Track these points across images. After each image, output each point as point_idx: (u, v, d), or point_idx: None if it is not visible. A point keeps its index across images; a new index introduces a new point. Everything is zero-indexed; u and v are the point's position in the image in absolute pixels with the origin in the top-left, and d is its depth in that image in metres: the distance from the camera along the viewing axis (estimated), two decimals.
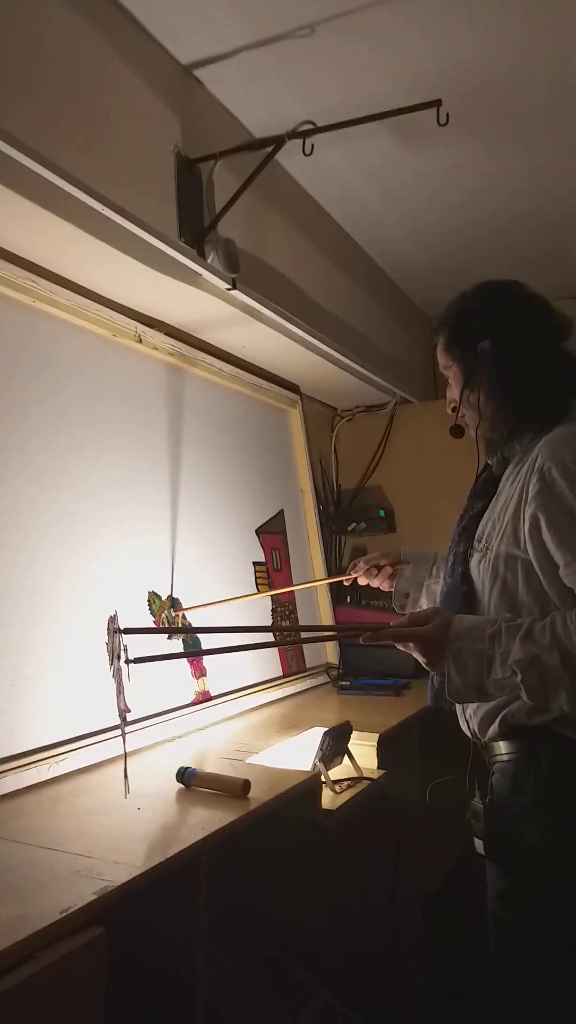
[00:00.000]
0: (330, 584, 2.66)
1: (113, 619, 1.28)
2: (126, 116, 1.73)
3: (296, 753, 1.71)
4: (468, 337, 1.41)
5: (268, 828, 1.33)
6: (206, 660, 1.98)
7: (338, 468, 3.15)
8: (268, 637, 2.11)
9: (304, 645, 2.48)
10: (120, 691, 1.28)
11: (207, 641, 1.92)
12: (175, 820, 1.26)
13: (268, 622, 2.31)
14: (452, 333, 1.45)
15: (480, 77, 2.00)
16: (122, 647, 1.25)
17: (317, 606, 2.62)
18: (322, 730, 1.80)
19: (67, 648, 1.55)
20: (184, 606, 1.94)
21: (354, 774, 1.68)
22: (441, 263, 3.15)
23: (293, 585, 2.36)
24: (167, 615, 1.87)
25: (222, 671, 2.03)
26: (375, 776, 1.69)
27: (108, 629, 1.29)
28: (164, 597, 1.89)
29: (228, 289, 1.85)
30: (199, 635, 1.92)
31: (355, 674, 2.52)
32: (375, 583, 1.76)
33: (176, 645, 1.89)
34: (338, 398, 3.05)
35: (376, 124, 2.01)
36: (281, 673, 2.30)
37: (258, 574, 2.30)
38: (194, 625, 1.95)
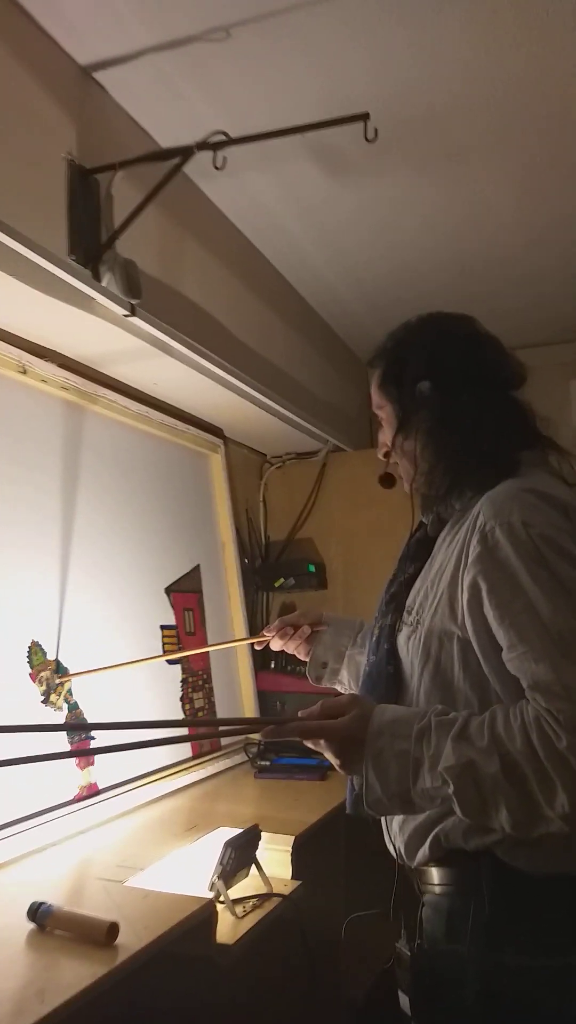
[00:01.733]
0: (251, 646, 2.39)
1: None
2: (8, 118, 1.50)
3: (193, 864, 1.42)
4: (406, 375, 1.20)
5: (142, 979, 1.04)
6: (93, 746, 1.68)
7: (267, 518, 2.91)
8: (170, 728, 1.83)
9: (219, 711, 2.20)
10: None
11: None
12: (12, 984, 0.96)
13: (176, 692, 2.03)
14: (388, 368, 1.23)
15: (418, 99, 1.83)
16: None
17: (236, 671, 2.34)
18: (227, 832, 1.53)
19: None
20: (71, 672, 1.65)
21: (262, 889, 1.40)
22: (376, 303, 2.98)
23: (193, 649, 2.07)
24: (47, 677, 1.58)
25: (116, 757, 1.73)
26: (287, 890, 1.41)
27: None
28: (49, 657, 1.60)
29: (126, 315, 1.61)
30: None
31: (277, 749, 2.24)
32: (289, 647, 1.50)
33: (56, 717, 1.59)
34: (267, 444, 2.83)
35: (301, 144, 1.83)
36: (190, 754, 2.01)
37: (166, 639, 2.02)
38: (77, 698, 1.66)
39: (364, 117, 1.57)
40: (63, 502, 1.75)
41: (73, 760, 1.61)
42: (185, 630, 2.11)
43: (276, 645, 1.49)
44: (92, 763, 1.66)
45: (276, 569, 2.75)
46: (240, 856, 1.36)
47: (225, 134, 1.61)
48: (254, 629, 2.53)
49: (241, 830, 1.52)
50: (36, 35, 1.60)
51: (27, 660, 1.53)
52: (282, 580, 2.70)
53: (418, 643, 1.09)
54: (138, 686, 1.87)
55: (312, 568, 2.71)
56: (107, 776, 1.68)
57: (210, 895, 1.31)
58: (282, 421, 2.46)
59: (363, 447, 3.01)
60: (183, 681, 2.06)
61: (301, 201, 2.28)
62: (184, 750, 2.01)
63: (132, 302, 1.63)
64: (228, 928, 1.26)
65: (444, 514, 1.19)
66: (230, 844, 1.33)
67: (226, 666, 2.28)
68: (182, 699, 2.03)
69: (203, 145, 1.61)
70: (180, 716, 2.01)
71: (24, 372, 1.69)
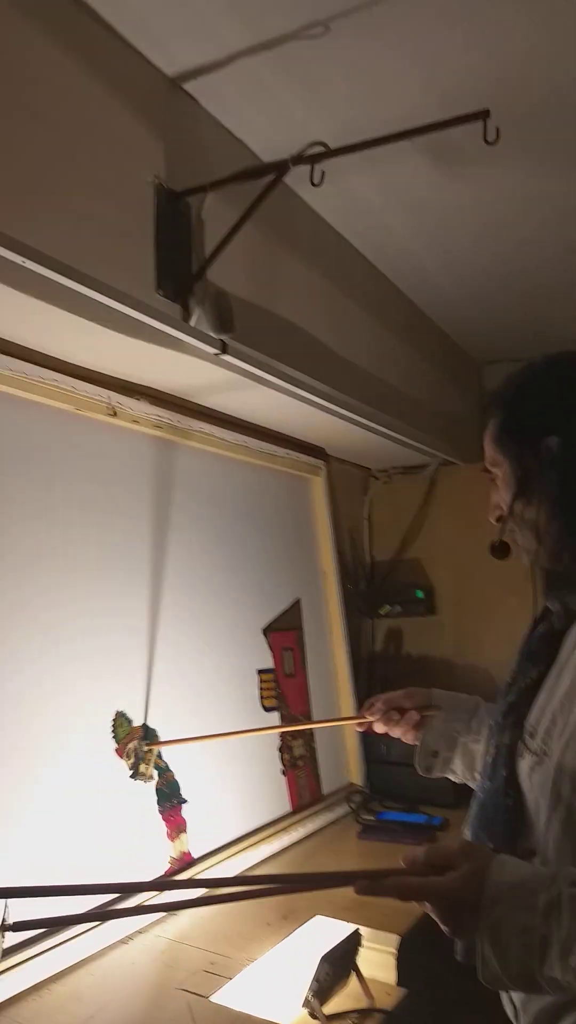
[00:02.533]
0: (352, 676, 2.25)
1: None
2: (90, 146, 1.37)
3: (287, 966, 1.30)
4: (529, 428, 1.01)
5: None
6: (188, 810, 1.59)
7: (372, 538, 2.74)
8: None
9: (321, 759, 2.07)
10: None
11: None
12: None
13: (274, 741, 1.91)
14: (507, 419, 1.04)
15: (540, 84, 1.59)
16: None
17: (338, 713, 2.20)
18: (324, 923, 1.40)
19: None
20: (160, 739, 1.56)
21: (362, 1000, 1.26)
22: (493, 307, 2.72)
23: (278, 727, 1.91)
24: (135, 748, 1.49)
25: (209, 819, 1.63)
26: (391, 1001, 1.27)
27: None
28: (136, 724, 1.51)
29: (217, 354, 1.48)
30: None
31: (383, 798, 2.10)
32: (395, 732, 1.34)
33: (147, 792, 1.50)
34: (372, 458, 2.65)
35: (409, 143, 1.62)
36: (289, 808, 1.89)
37: (263, 686, 1.90)
38: (167, 757, 1.56)
39: (484, 115, 1.36)
40: (152, 548, 1.65)
41: (164, 830, 1.52)
42: (284, 672, 1.99)
43: (380, 729, 1.33)
44: (184, 829, 1.57)
45: (382, 594, 2.58)
46: (337, 970, 1.23)
47: (324, 145, 1.43)
48: (358, 662, 2.38)
49: (336, 922, 1.40)
50: (119, 49, 1.47)
51: (112, 735, 1.44)
52: (387, 607, 2.53)
53: (546, 780, 0.91)
54: (232, 748, 1.75)
55: (420, 594, 2.53)
56: (201, 844, 1.59)
57: (303, 1012, 1.19)
58: (388, 440, 2.28)
59: (475, 460, 2.77)
60: (283, 736, 1.93)
61: (410, 201, 2.07)
62: (283, 801, 1.89)
63: (222, 338, 1.49)
64: None
65: (574, 604, 1.00)
66: (326, 959, 1.20)
67: (328, 710, 2.14)
68: (281, 748, 1.92)
69: (299, 159, 1.44)
70: (278, 766, 1.90)
71: (114, 414, 1.59)
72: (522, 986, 0.81)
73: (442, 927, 0.85)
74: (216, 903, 0.95)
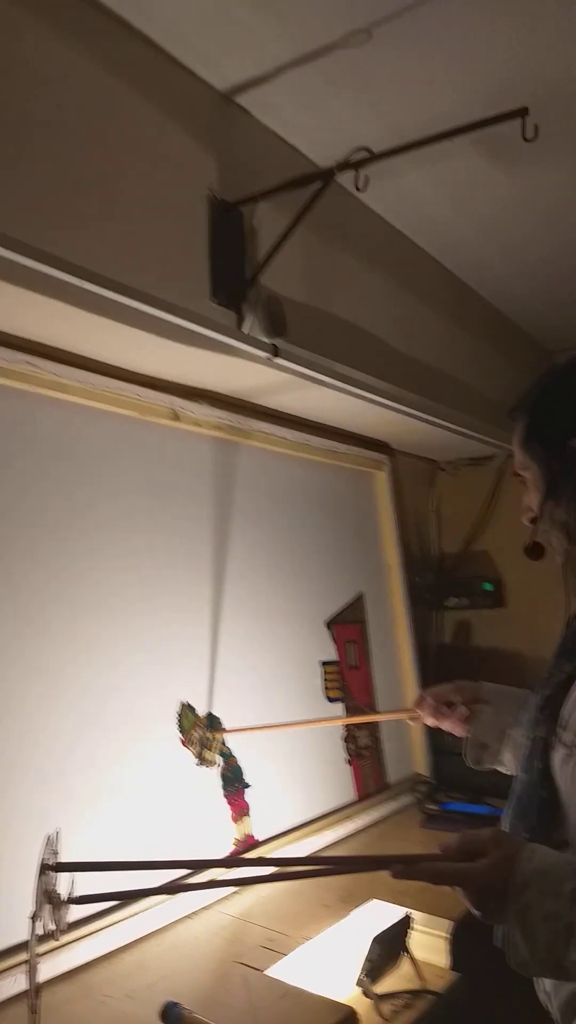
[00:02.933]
0: (418, 667, 2.28)
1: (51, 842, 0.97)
2: (146, 167, 1.45)
3: (341, 945, 1.36)
4: (554, 430, 1.02)
5: None
6: (251, 794, 1.66)
7: (439, 530, 2.74)
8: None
9: (386, 749, 2.11)
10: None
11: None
12: None
13: (338, 729, 1.96)
14: (533, 423, 1.06)
15: None
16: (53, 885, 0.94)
17: (403, 702, 2.23)
18: (380, 907, 1.45)
19: (62, 808, 1.28)
20: (225, 727, 1.63)
21: (415, 982, 1.30)
22: (556, 298, 2.68)
23: (330, 719, 1.95)
24: (199, 736, 1.57)
25: (273, 804, 1.70)
26: (443, 985, 1.31)
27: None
28: (201, 713, 1.59)
29: (269, 358, 1.53)
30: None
31: (448, 788, 2.12)
32: (445, 726, 1.37)
33: (211, 776, 1.58)
34: (438, 451, 2.65)
35: (457, 140, 1.63)
36: (355, 796, 1.94)
37: (328, 677, 1.95)
38: (231, 743, 1.64)
39: (522, 113, 1.36)
40: (215, 546, 1.72)
41: (229, 812, 1.60)
42: (348, 664, 2.03)
43: (429, 722, 1.37)
44: (247, 813, 1.64)
45: (449, 586, 2.59)
46: (389, 950, 1.28)
47: (368, 150, 1.46)
48: (424, 655, 2.40)
49: (393, 907, 1.44)
50: (171, 69, 1.54)
51: (178, 726, 1.53)
52: (455, 600, 2.54)
53: None
54: (297, 739, 1.81)
55: (488, 586, 2.52)
56: (264, 827, 1.66)
57: (356, 990, 1.25)
58: (454, 433, 2.28)
59: None
60: (347, 728, 1.99)
61: (463, 196, 2.06)
62: (348, 789, 1.95)
63: (275, 343, 1.54)
64: None
65: None
66: (378, 940, 1.25)
67: (393, 701, 2.17)
68: (346, 738, 1.97)
69: (344, 166, 1.47)
70: (343, 755, 1.95)
71: (177, 418, 1.67)
72: (549, 971, 0.84)
73: (474, 912, 0.89)
74: (255, 883, 1.02)
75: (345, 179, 1.61)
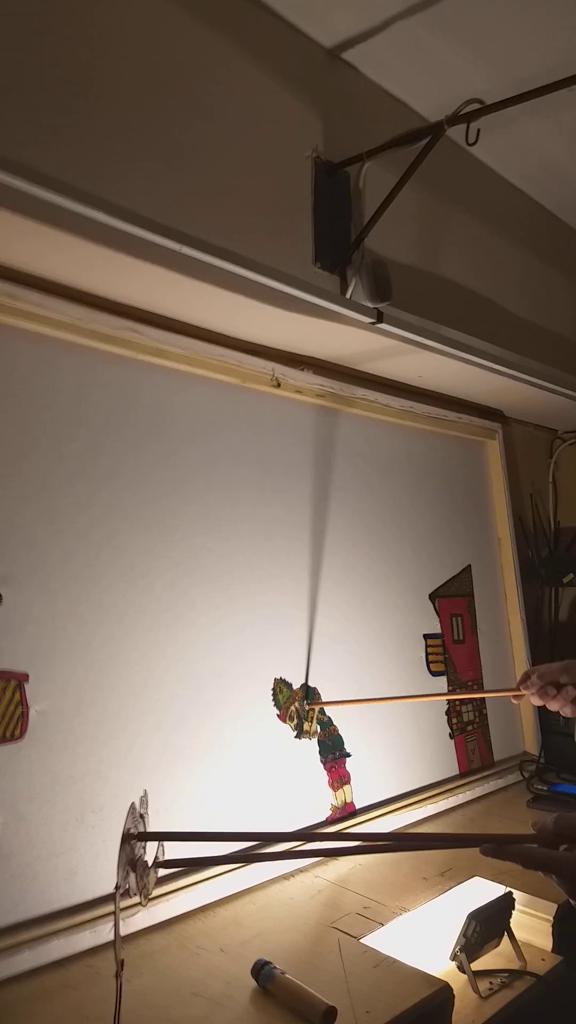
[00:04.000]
0: (527, 642, 2.20)
1: (134, 809, 0.99)
2: (250, 129, 1.44)
3: (439, 920, 1.34)
4: None
5: None
6: (351, 764, 1.65)
7: (556, 503, 2.63)
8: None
9: (492, 726, 2.06)
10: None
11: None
12: None
13: (441, 704, 1.93)
14: None
15: None
16: (139, 851, 0.96)
17: (512, 679, 2.16)
18: (481, 885, 1.42)
19: (155, 766, 1.32)
20: (321, 698, 1.63)
21: (514, 962, 1.27)
22: None
23: (430, 695, 1.89)
24: (296, 710, 1.57)
25: (373, 774, 1.69)
26: (544, 968, 1.26)
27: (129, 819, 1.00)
28: (296, 686, 1.59)
29: (373, 324, 1.50)
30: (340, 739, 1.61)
31: (559, 769, 2.04)
32: (552, 706, 1.32)
33: (310, 743, 1.59)
34: (558, 420, 2.53)
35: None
36: (457, 771, 1.90)
37: (430, 650, 1.91)
38: (332, 718, 1.63)
39: None
40: (316, 515, 1.71)
41: (326, 779, 1.60)
42: (453, 638, 1.99)
43: (535, 702, 1.32)
44: (347, 781, 1.64)
45: (566, 562, 2.48)
46: (487, 929, 1.24)
47: (479, 102, 1.39)
48: (537, 631, 2.31)
49: (495, 886, 1.41)
50: (277, 27, 1.51)
51: (273, 702, 1.53)
52: (571, 575, 2.42)
53: None
54: (395, 711, 1.79)
55: None
56: (363, 796, 1.65)
57: (450, 964, 1.22)
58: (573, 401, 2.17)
59: None
60: (450, 702, 1.94)
61: None
62: (451, 763, 1.91)
63: (380, 308, 1.50)
64: (468, 1010, 1.16)
65: None
66: (475, 917, 1.22)
67: (501, 677, 2.11)
68: (448, 712, 1.93)
69: (453, 119, 1.41)
70: (445, 730, 1.91)
71: (278, 385, 1.66)
72: None
73: (570, 900, 0.85)
74: (342, 854, 1.01)
75: (456, 133, 1.55)
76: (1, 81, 1.15)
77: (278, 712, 1.54)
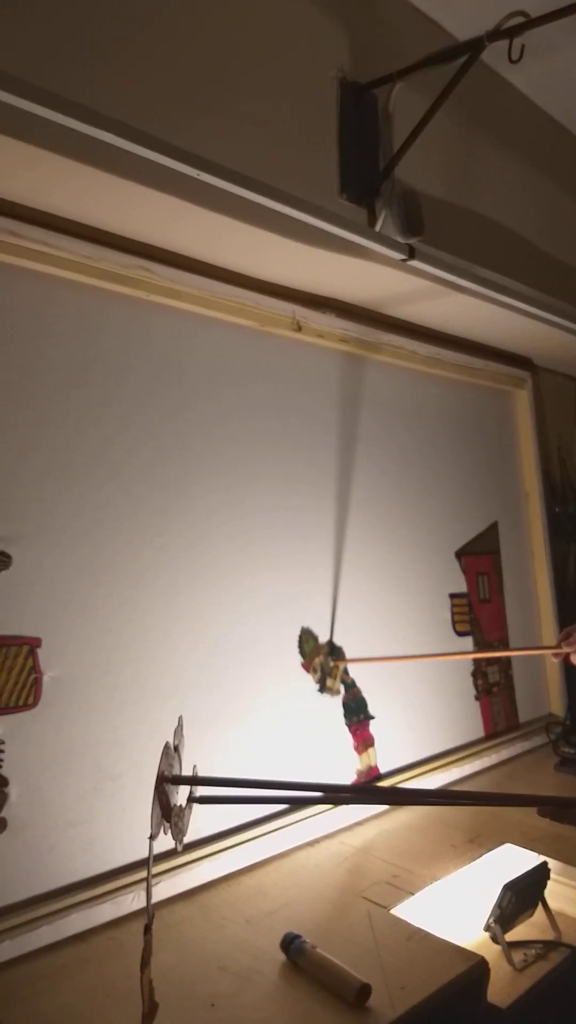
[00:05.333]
0: (555, 606, 2.12)
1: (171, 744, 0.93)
2: (269, 44, 1.31)
3: (470, 889, 1.29)
4: None
5: None
6: (375, 727, 1.60)
7: None
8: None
9: (518, 687, 2.00)
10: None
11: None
12: None
13: (467, 665, 1.86)
14: None
15: None
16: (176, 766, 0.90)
17: (538, 638, 2.09)
18: (513, 852, 1.37)
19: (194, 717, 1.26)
20: (346, 655, 1.57)
21: (548, 933, 1.22)
22: None
23: (465, 652, 1.84)
24: (320, 663, 1.51)
25: (398, 737, 1.63)
26: None
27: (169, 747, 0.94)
28: (322, 641, 1.53)
29: (404, 260, 1.39)
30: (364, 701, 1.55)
31: None
32: None
33: (334, 705, 1.53)
34: None
35: None
36: (483, 734, 1.85)
37: (456, 609, 1.84)
38: (354, 674, 1.57)
39: None
40: (339, 468, 1.62)
41: (351, 742, 1.55)
42: (479, 597, 1.91)
43: None
44: (372, 744, 1.58)
45: None
46: (522, 900, 1.19)
47: (524, 14, 1.26)
48: (564, 589, 2.23)
49: (527, 854, 1.36)
50: None
51: (298, 650, 1.47)
52: None
53: None
54: (421, 670, 1.73)
55: None
56: (388, 760, 1.60)
57: (483, 936, 1.18)
58: None
59: None
60: (476, 661, 1.88)
61: None
62: (476, 726, 1.85)
63: (411, 243, 1.39)
64: (503, 982, 1.11)
65: None
66: (510, 888, 1.17)
67: (527, 637, 2.04)
68: (474, 673, 1.86)
69: (495, 34, 1.28)
70: (471, 691, 1.85)
71: (299, 329, 1.56)
72: None
73: None
74: (389, 803, 0.95)
75: (494, 55, 1.41)
76: None
77: (303, 662, 1.48)
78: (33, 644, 1.09)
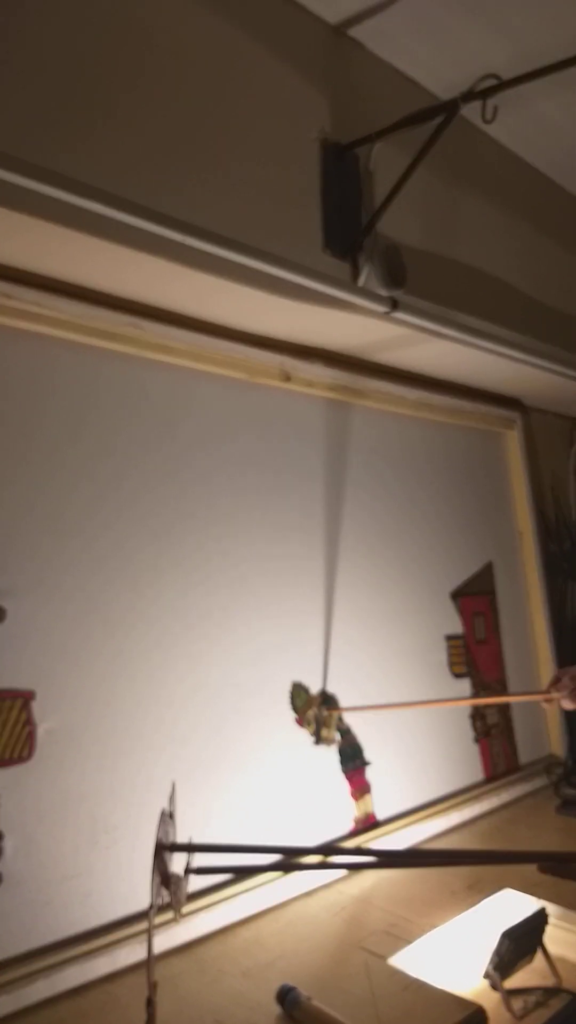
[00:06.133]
0: (554, 645, 2.13)
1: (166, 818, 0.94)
2: (252, 110, 1.37)
3: (468, 935, 1.27)
4: None
5: None
6: (372, 772, 1.59)
7: None
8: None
9: (517, 728, 1.99)
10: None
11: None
12: None
13: (465, 708, 1.86)
14: None
15: None
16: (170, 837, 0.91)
17: (537, 680, 2.09)
18: (512, 897, 1.36)
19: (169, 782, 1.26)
20: (340, 703, 1.57)
21: (549, 979, 1.21)
22: None
23: (456, 700, 1.83)
24: (314, 715, 1.51)
25: (395, 782, 1.63)
26: None
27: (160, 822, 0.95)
28: (314, 692, 1.53)
29: (387, 313, 1.43)
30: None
31: None
32: None
33: (330, 753, 1.53)
34: None
35: None
36: (483, 776, 1.84)
37: (452, 651, 1.85)
38: (350, 720, 1.58)
39: None
40: (329, 513, 1.65)
41: (348, 789, 1.55)
42: (475, 638, 1.92)
43: (568, 706, 1.25)
44: (368, 790, 1.58)
45: None
46: (521, 946, 1.18)
47: (496, 77, 1.31)
48: (563, 628, 2.24)
49: (527, 899, 1.35)
50: (277, 2, 1.44)
51: (291, 705, 1.48)
52: None
53: None
54: (420, 717, 1.73)
55: None
56: (385, 806, 1.59)
57: (483, 983, 1.17)
58: None
59: None
60: (474, 696, 1.88)
61: None
62: (476, 768, 1.85)
63: (394, 295, 1.43)
64: None
65: None
66: (508, 935, 1.16)
67: (525, 677, 2.04)
68: (472, 715, 1.86)
69: (469, 96, 1.34)
70: (470, 734, 1.85)
71: (288, 379, 1.60)
72: None
73: None
74: (390, 867, 0.95)
75: (470, 112, 1.47)
76: None
77: (296, 717, 1.48)
78: (27, 697, 1.11)
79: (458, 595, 1.90)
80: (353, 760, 1.55)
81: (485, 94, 1.34)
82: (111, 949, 1.12)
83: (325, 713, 1.52)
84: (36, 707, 1.11)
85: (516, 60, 1.45)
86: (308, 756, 1.48)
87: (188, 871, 0.94)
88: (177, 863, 0.94)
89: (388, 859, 1.24)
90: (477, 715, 1.87)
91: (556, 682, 1.27)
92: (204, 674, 1.34)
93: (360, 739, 1.58)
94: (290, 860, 1.28)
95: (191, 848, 0.94)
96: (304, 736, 1.49)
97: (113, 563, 1.25)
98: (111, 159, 1.16)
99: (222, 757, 1.34)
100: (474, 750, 1.84)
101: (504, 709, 1.96)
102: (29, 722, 1.10)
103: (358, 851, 1.37)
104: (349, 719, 1.57)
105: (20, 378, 1.20)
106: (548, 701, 1.32)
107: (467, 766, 1.81)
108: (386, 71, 1.64)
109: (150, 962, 0.84)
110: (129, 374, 1.33)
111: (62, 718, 1.14)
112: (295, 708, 1.49)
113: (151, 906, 0.84)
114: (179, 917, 0.90)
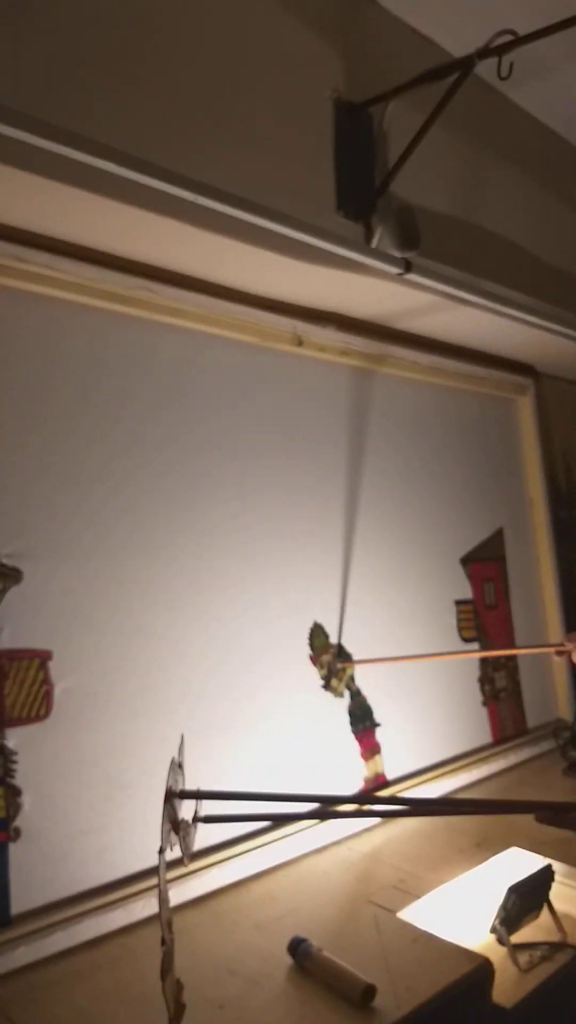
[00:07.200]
0: (562, 610, 2.14)
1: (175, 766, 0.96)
2: (264, 68, 1.34)
3: (476, 893, 1.30)
4: None
5: None
6: (382, 734, 1.62)
7: None
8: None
9: (525, 692, 2.01)
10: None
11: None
12: None
13: (473, 671, 1.88)
14: None
15: None
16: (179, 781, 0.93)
17: (545, 642, 2.11)
18: (519, 856, 1.38)
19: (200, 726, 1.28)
20: (354, 658, 1.59)
21: (554, 934, 1.23)
22: None
23: (470, 652, 1.85)
24: (328, 661, 1.53)
25: (404, 744, 1.65)
26: None
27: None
28: (332, 641, 1.55)
29: (400, 275, 1.42)
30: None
31: None
32: None
33: (340, 713, 1.55)
34: None
35: None
36: (490, 739, 1.86)
37: (462, 616, 1.86)
38: (360, 682, 1.59)
39: None
40: (344, 478, 1.65)
41: (357, 750, 1.57)
42: (484, 603, 1.93)
43: None
44: (378, 751, 1.60)
45: None
46: (527, 902, 1.21)
47: (512, 32, 1.28)
48: (570, 596, 2.25)
49: (534, 857, 1.37)
50: None
51: (308, 642, 1.50)
52: None
53: None
54: (427, 665, 1.75)
55: None
56: (395, 767, 1.62)
57: (489, 938, 1.19)
58: None
59: None
60: (483, 661, 1.89)
61: None
62: (484, 731, 1.87)
63: (407, 257, 1.42)
64: (508, 983, 1.13)
65: None
66: (515, 890, 1.18)
67: (532, 639, 2.05)
68: (481, 679, 1.88)
69: (485, 52, 1.31)
70: (478, 697, 1.87)
71: (300, 344, 1.59)
72: None
73: None
74: (397, 816, 0.97)
75: (486, 69, 1.44)
76: None
77: (311, 654, 1.50)
78: (44, 657, 1.13)
79: (468, 560, 1.91)
80: (363, 721, 1.58)
81: (501, 50, 1.31)
82: (126, 902, 1.15)
83: (339, 666, 1.54)
84: (53, 667, 1.13)
85: (533, 16, 1.41)
86: (321, 715, 1.51)
87: (196, 820, 0.96)
88: (186, 812, 0.96)
89: (385, 809, 1.26)
90: (486, 679, 1.89)
91: (572, 636, 1.28)
92: (218, 632, 1.36)
93: (370, 701, 1.60)
94: (290, 811, 1.31)
95: (199, 795, 0.96)
96: (317, 694, 1.51)
97: (127, 525, 1.26)
98: (124, 119, 1.14)
99: (235, 714, 1.36)
100: (482, 713, 1.86)
101: (513, 673, 1.97)
102: (47, 681, 1.12)
103: (360, 798, 1.40)
104: (360, 681, 1.59)
105: (32, 341, 1.19)
106: (560, 653, 1.33)
107: (475, 729, 1.83)
108: (400, 29, 1.60)
109: (161, 901, 0.86)
110: (140, 337, 1.33)
111: (78, 678, 1.16)
112: (312, 646, 1.51)
113: (161, 849, 0.86)
114: (187, 862, 0.92)
